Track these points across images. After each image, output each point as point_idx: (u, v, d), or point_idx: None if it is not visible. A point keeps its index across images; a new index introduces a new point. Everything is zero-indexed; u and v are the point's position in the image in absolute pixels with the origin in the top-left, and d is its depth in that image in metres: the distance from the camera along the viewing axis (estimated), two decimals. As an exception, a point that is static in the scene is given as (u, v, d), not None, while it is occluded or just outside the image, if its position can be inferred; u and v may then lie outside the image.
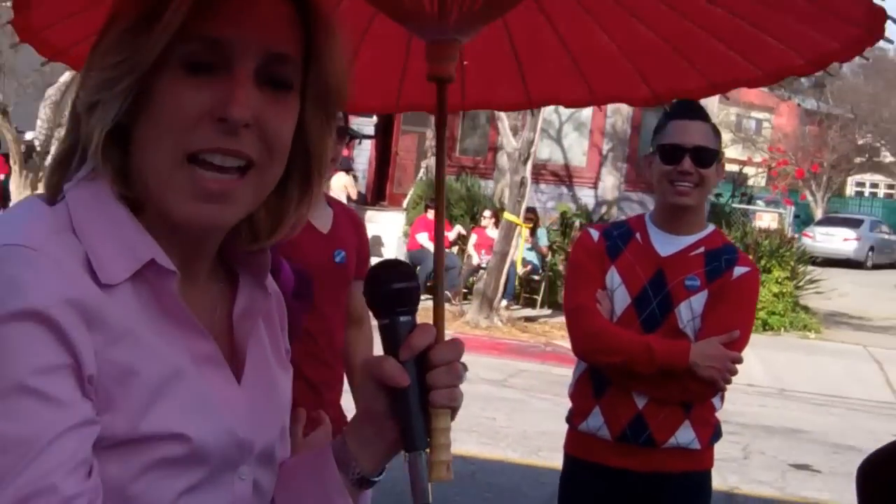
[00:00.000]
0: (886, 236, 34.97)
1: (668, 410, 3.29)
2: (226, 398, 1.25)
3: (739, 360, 3.25)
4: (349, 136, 3.61)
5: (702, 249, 3.37)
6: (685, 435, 3.30)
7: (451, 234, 16.09)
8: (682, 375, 3.22)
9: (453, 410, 1.35)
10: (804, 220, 34.86)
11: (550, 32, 1.70)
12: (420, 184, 18.52)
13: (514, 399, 10.24)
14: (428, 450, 1.33)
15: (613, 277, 3.37)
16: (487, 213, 16.22)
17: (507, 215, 14.57)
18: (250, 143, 1.18)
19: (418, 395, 1.32)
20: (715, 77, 1.72)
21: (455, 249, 16.13)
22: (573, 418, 3.44)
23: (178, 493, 1.18)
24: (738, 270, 3.35)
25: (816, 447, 9.43)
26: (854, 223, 33.48)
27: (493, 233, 15.41)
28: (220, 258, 1.33)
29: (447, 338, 1.37)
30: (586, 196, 18.46)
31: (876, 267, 32.81)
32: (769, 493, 7.80)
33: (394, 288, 1.34)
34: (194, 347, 1.22)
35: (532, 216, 15.98)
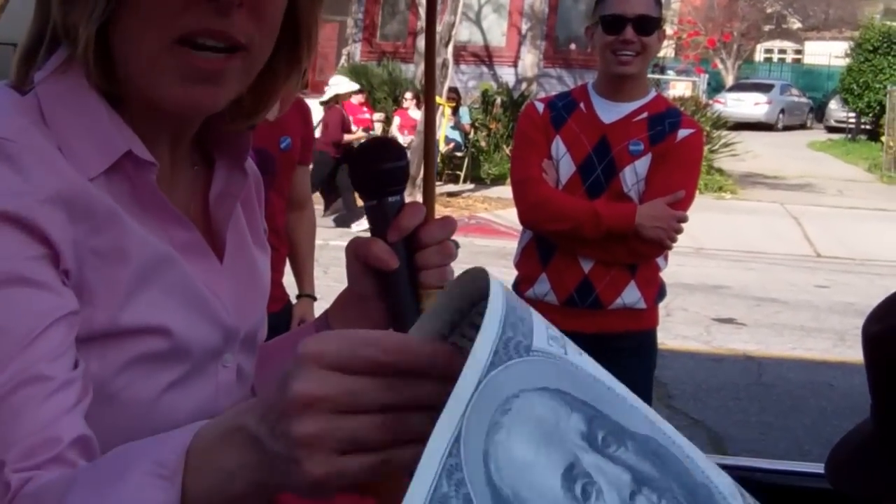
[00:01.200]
0: (797, 99, 35.46)
1: (614, 272, 3.32)
2: (210, 285, 1.21)
3: (685, 219, 3.27)
4: None
5: (645, 115, 3.38)
6: (631, 295, 3.34)
7: (375, 117, 16.00)
8: (628, 237, 3.24)
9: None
10: (716, 87, 35.11)
11: None
12: (342, 70, 18.29)
13: (443, 273, 10.28)
14: None
15: (558, 147, 3.37)
16: (409, 94, 16.12)
17: (430, 96, 14.49)
18: (242, 23, 1.10)
19: (408, 276, 1.25)
20: None
21: (378, 130, 16.05)
22: (520, 285, 3.47)
23: (162, 388, 1.14)
24: (682, 133, 3.36)
25: (738, 301, 9.52)
26: (765, 88, 33.84)
27: (415, 114, 15.33)
28: (196, 140, 1.26)
29: None
30: (507, 74, 18.44)
31: (787, 128, 33.35)
32: (695, 347, 7.90)
33: (384, 168, 1.24)
34: (176, 236, 1.17)
35: (454, 96, 15.93)
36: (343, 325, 1.28)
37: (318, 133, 13.11)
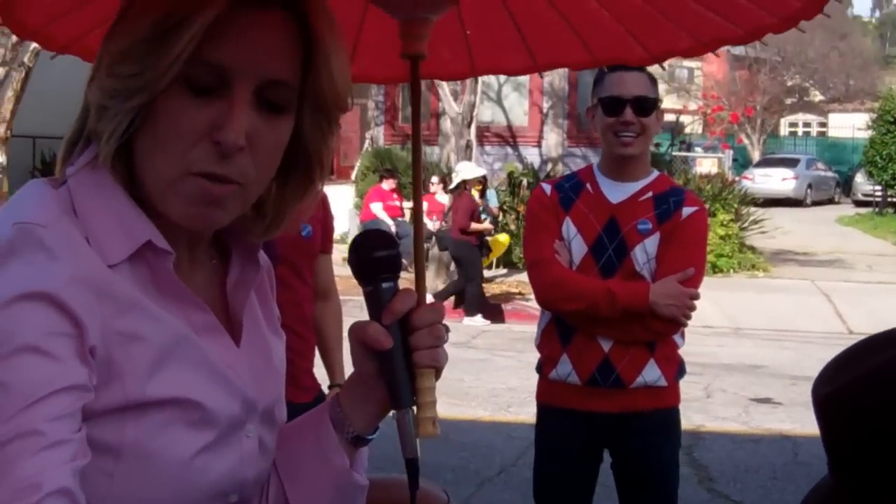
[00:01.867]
0: (822, 173, 35.50)
1: (634, 351, 3.35)
2: (229, 361, 1.32)
3: (697, 297, 3.32)
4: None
5: (650, 194, 3.43)
6: (651, 373, 3.37)
7: (405, 204, 16.04)
8: (644, 316, 3.28)
9: (437, 370, 1.39)
10: (742, 162, 35.25)
11: (543, 1, 1.74)
12: (366, 155, 18.41)
13: (478, 359, 10.24)
14: (415, 407, 1.38)
15: (569, 228, 3.42)
16: (435, 178, 16.13)
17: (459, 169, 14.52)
18: (242, 164, 1.24)
19: (403, 356, 1.37)
20: (701, 37, 1.77)
21: (408, 217, 16.05)
22: (543, 367, 3.49)
23: (195, 451, 1.25)
24: (687, 210, 3.41)
25: (775, 381, 9.56)
26: (791, 162, 33.92)
27: (442, 198, 15.32)
28: (214, 239, 1.40)
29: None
30: (531, 155, 18.49)
31: (815, 203, 33.34)
32: (734, 428, 7.91)
33: (376, 256, 1.38)
34: (193, 319, 1.29)
35: (481, 179, 15.95)
36: (351, 405, 1.41)
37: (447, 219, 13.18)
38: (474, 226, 12.92)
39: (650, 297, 3.26)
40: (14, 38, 12.78)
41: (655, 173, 3.53)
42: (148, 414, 1.21)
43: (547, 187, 3.56)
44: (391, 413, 1.41)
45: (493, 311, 12.81)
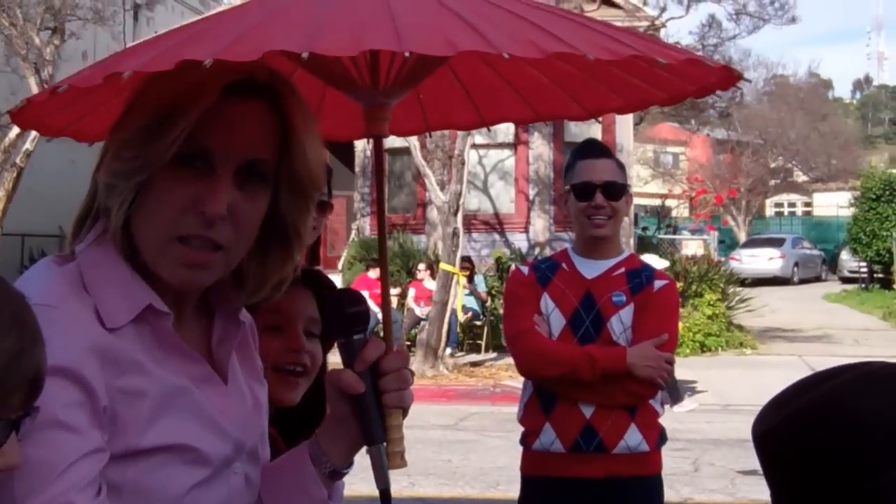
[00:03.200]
0: (809, 251, 35.73)
1: (615, 416, 3.45)
2: (220, 407, 1.52)
3: (671, 361, 3.49)
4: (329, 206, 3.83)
5: (623, 270, 3.60)
6: (633, 437, 3.46)
7: (392, 292, 16.18)
8: (622, 378, 3.41)
9: (404, 410, 1.59)
10: (729, 244, 35.48)
11: (487, 69, 1.96)
12: (353, 245, 18.55)
13: (467, 440, 10.28)
14: (385, 443, 1.57)
15: (547, 303, 3.56)
16: (422, 266, 16.31)
17: (443, 265, 14.68)
18: (224, 230, 1.46)
19: (374, 398, 1.56)
20: (630, 99, 2.00)
21: (395, 304, 16.18)
22: (526, 439, 3.58)
23: (188, 487, 1.44)
24: (658, 283, 3.60)
25: None
26: (777, 242, 34.17)
27: (430, 284, 15.47)
28: (202, 300, 1.60)
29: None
30: (519, 240, 18.64)
31: (802, 281, 33.49)
32: (721, 500, 7.94)
33: (348, 312, 1.59)
34: (190, 371, 1.50)
35: (468, 265, 16.11)
36: (328, 442, 1.58)
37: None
38: None
39: (628, 360, 3.40)
40: (7, 140, 13.08)
41: (627, 252, 3.73)
42: (146, 457, 1.40)
43: (524, 268, 3.74)
44: (364, 449, 1.58)
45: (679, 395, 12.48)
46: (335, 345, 2.02)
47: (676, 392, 12.22)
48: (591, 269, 3.60)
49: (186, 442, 1.44)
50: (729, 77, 1.78)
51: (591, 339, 3.49)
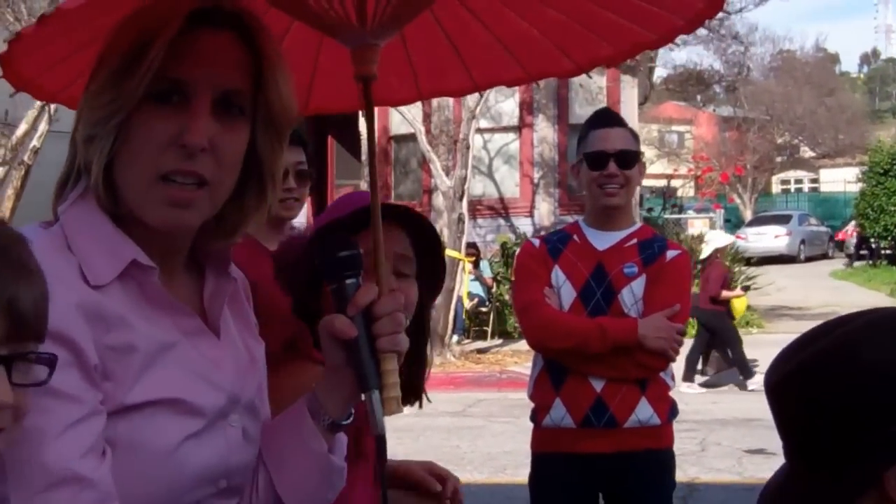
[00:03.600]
0: (815, 228, 35.67)
1: (626, 390, 3.46)
2: (214, 358, 1.54)
3: (683, 332, 3.48)
4: (309, 176, 3.84)
5: (634, 241, 3.60)
6: (644, 411, 3.46)
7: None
8: (633, 351, 3.41)
9: (399, 354, 1.56)
10: (735, 222, 35.44)
11: (477, 24, 1.96)
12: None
13: (475, 426, 10.36)
14: (380, 388, 1.54)
15: (558, 275, 3.57)
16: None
17: (448, 252, 14.80)
18: (206, 163, 1.46)
19: (367, 343, 1.54)
20: (620, 45, 1.98)
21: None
22: (537, 415, 3.58)
23: (180, 439, 1.44)
24: (671, 254, 3.59)
25: (770, 432, 9.29)
26: (783, 219, 34.09)
27: (436, 271, 15.56)
28: (191, 256, 1.60)
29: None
30: (524, 225, 18.72)
31: (809, 259, 33.49)
32: (729, 479, 7.96)
33: (339, 256, 1.57)
34: (181, 324, 1.51)
35: (474, 251, 16.21)
36: (325, 394, 1.58)
37: (695, 289, 12.67)
38: (725, 294, 12.60)
39: (639, 331, 3.39)
40: (14, 138, 13.22)
41: (639, 223, 3.73)
42: (136, 412, 1.40)
43: (535, 241, 3.75)
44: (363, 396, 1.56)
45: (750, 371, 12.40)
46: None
47: (747, 369, 12.22)
48: (602, 240, 3.60)
49: (176, 395, 1.44)
50: (716, 2, 1.75)
51: (601, 311, 3.50)
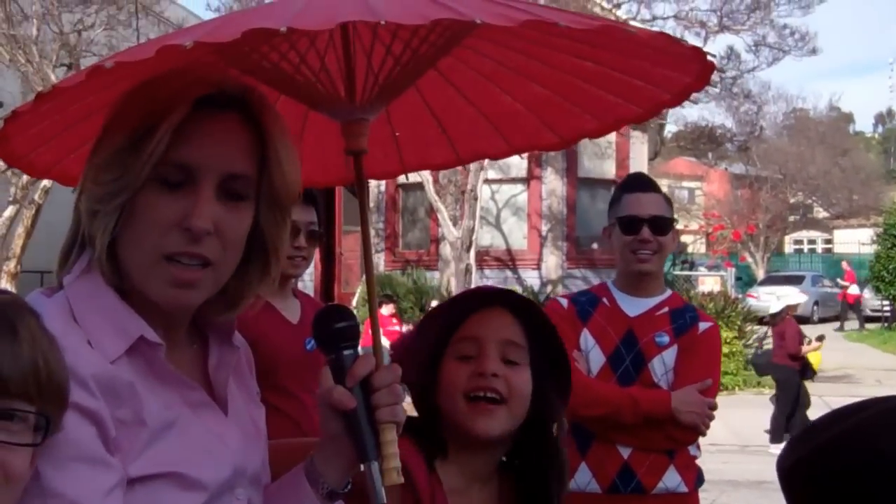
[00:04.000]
0: (829, 289, 35.57)
1: (654, 457, 3.41)
2: (219, 432, 1.55)
3: (715, 407, 3.41)
4: (320, 237, 3.88)
5: (666, 309, 3.55)
6: (672, 479, 3.42)
7: (405, 328, 16.29)
8: (664, 423, 3.36)
9: (397, 425, 1.59)
10: (747, 281, 35.39)
11: (461, 99, 2.00)
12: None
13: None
14: (380, 459, 1.56)
15: (587, 339, 3.51)
16: (435, 303, 16.43)
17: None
18: (211, 246, 1.47)
19: (366, 414, 1.56)
20: (604, 119, 2.01)
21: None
22: None
23: None
24: (703, 325, 3.54)
25: (781, 495, 9.58)
26: (796, 280, 33.95)
27: (443, 322, 15.56)
28: (193, 325, 1.62)
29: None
30: (531, 277, 18.75)
31: (822, 320, 33.32)
32: None
33: (336, 327, 1.60)
34: (187, 397, 1.52)
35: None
36: (323, 462, 1.59)
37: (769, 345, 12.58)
38: (805, 349, 12.59)
39: (672, 404, 3.33)
40: (24, 178, 13.30)
41: (669, 291, 3.66)
42: (140, 485, 1.41)
43: (563, 301, 3.66)
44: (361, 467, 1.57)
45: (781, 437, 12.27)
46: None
47: (780, 434, 12.08)
48: (633, 306, 3.56)
49: (179, 469, 1.45)
50: (703, 70, 1.73)
51: (630, 378, 3.45)
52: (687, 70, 1.75)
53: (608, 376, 3.46)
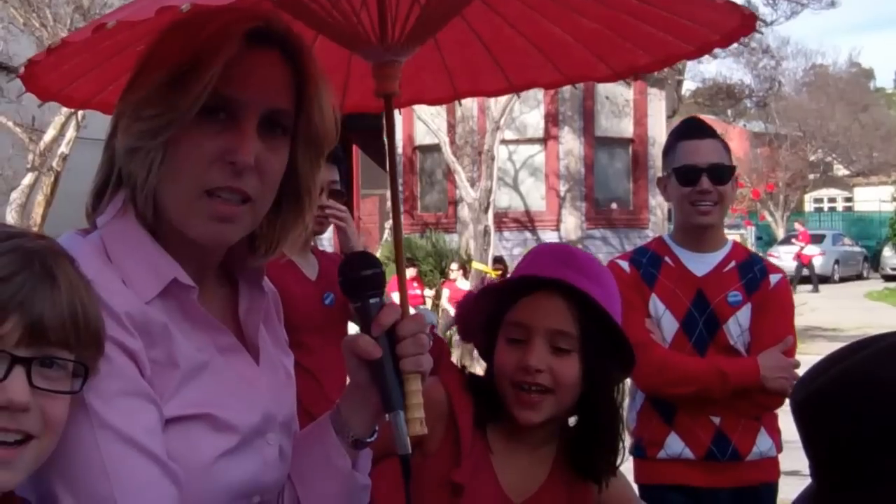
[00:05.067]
0: (849, 248, 35.56)
1: (745, 421, 3.35)
2: (250, 378, 1.58)
3: (798, 365, 3.28)
4: (342, 195, 4.05)
5: (733, 264, 3.44)
6: (764, 442, 3.38)
7: (426, 293, 16.51)
8: (751, 391, 3.29)
9: (422, 375, 1.61)
10: (767, 240, 35.44)
11: (510, 29, 2.01)
12: (386, 245, 18.79)
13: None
14: (404, 409, 1.58)
15: (656, 305, 3.40)
16: (454, 265, 16.51)
17: (475, 265, 14.95)
18: (251, 181, 1.49)
19: (391, 364, 1.58)
20: (657, 54, 2.01)
21: (429, 305, 16.47)
22: (647, 450, 3.43)
23: (215, 456, 1.48)
24: (773, 278, 3.44)
25: (804, 453, 9.73)
26: (816, 239, 34.05)
27: (463, 284, 15.68)
28: (223, 271, 1.65)
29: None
30: (550, 238, 18.74)
31: (843, 279, 33.39)
32: None
33: (363, 274, 1.61)
34: (218, 342, 1.55)
35: (501, 266, 16.36)
36: (349, 411, 1.63)
37: None
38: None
39: (761, 372, 3.23)
40: (42, 144, 13.52)
41: (731, 241, 3.54)
42: (172, 425, 1.43)
43: (623, 263, 3.49)
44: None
45: None
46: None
47: None
48: (698, 264, 3.44)
49: (210, 411, 1.46)
50: (748, 19, 1.78)
51: (705, 343, 3.36)
52: (731, 17, 1.78)
53: (682, 343, 3.37)
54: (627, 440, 2.04)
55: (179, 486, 1.41)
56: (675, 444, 3.36)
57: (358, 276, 1.61)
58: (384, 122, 1.81)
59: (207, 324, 1.53)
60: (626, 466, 3.38)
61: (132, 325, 1.41)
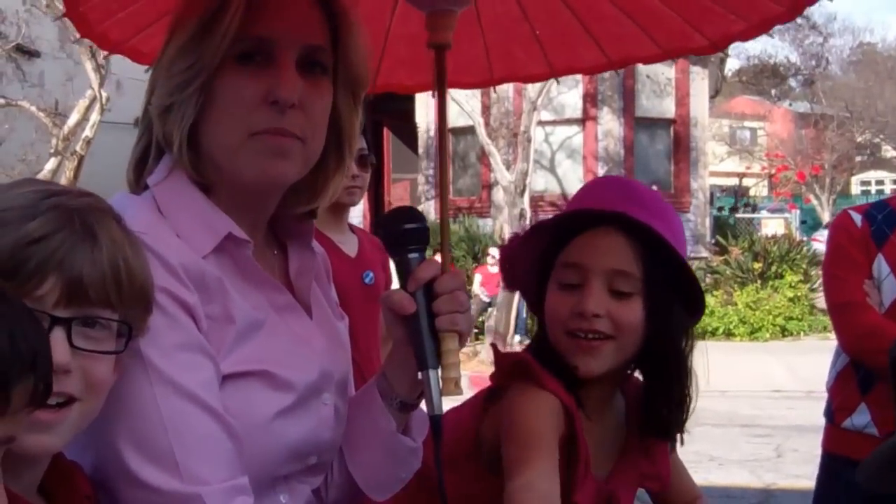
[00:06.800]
0: (899, 232, 35.16)
1: None
2: (306, 337, 1.58)
3: None
4: (371, 162, 3.99)
5: None
6: None
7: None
8: None
9: (460, 335, 1.58)
10: (812, 224, 35.16)
11: (559, 3, 1.94)
12: (419, 228, 18.86)
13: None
14: (439, 368, 1.56)
15: (881, 266, 3.18)
16: (493, 250, 16.43)
17: (510, 249, 14.86)
18: (297, 120, 1.48)
19: (428, 321, 1.55)
20: (751, 19, 1.92)
21: (462, 293, 16.36)
22: (835, 414, 3.32)
23: (273, 413, 1.48)
24: None
25: None
26: (864, 222, 33.63)
27: (495, 270, 15.67)
28: (272, 233, 1.65)
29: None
30: (587, 223, 18.73)
31: (892, 264, 33.02)
32: (806, 485, 8.00)
33: (404, 228, 1.59)
34: (273, 299, 1.55)
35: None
36: (392, 372, 1.63)
37: None
38: None
39: None
40: (66, 128, 13.57)
41: None
42: (232, 381, 1.44)
43: (856, 216, 3.27)
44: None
45: None
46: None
47: None
48: None
49: (267, 368, 1.47)
50: None
51: None
52: None
53: None
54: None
55: (238, 441, 1.41)
56: (862, 416, 3.20)
57: (399, 230, 1.59)
58: (435, 79, 1.72)
59: (263, 281, 1.53)
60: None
61: (188, 278, 1.41)
